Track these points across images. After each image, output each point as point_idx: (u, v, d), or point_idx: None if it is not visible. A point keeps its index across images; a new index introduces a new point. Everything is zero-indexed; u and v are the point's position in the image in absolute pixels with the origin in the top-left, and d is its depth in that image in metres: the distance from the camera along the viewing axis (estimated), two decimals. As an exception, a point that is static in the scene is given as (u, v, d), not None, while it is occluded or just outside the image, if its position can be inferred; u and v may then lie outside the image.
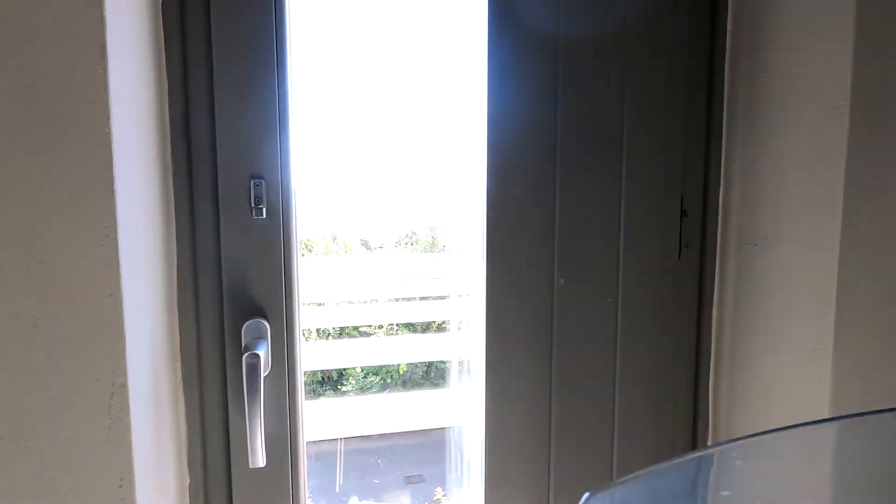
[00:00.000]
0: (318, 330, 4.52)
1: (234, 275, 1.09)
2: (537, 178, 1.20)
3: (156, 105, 1.01)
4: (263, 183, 1.08)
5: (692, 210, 1.27)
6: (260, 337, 1.10)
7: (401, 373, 5.07)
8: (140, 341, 0.90)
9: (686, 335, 1.29)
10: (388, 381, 5.17)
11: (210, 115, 1.06)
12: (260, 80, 1.07)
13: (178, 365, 1.10)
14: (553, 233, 1.21)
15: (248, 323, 1.10)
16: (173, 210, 1.07)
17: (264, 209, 1.08)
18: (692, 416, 1.33)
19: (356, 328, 4.69)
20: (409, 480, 4.92)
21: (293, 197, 1.11)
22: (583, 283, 1.23)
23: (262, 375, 1.07)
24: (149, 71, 0.98)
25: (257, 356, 1.03)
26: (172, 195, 1.06)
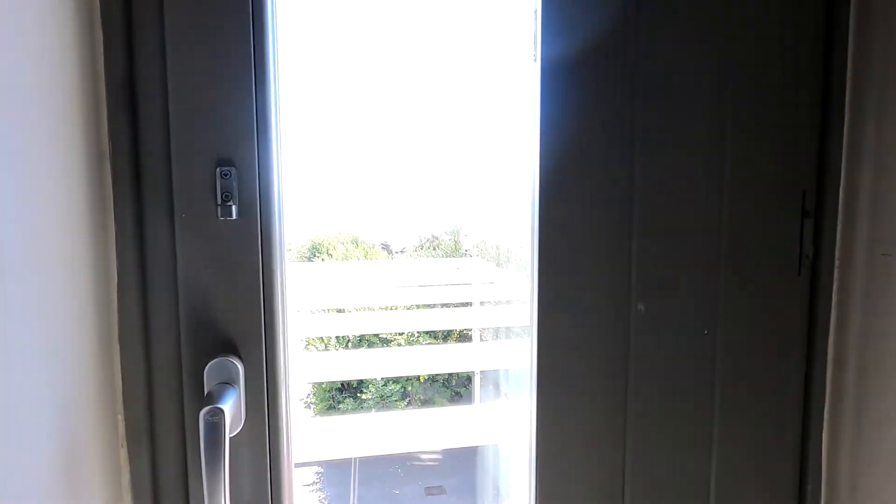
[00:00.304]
0: (337, 338, 4.21)
1: (195, 296, 0.76)
2: (605, 169, 0.85)
3: (81, 59, 0.69)
4: (234, 172, 0.75)
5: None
6: (229, 381, 0.77)
7: (421, 381, 4.74)
8: (31, 403, 0.58)
9: (796, 374, 0.93)
10: (409, 388, 4.86)
11: (161, 75, 0.74)
12: (229, 33, 0.74)
13: (121, 418, 0.77)
14: (629, 243, 0.86)
15: (212, 362, 0.76)
16: (111, 209, 0.74)
17: (234, 207, 0.75)
18: (798, 478, 0.97)
19: (376, 335, 4.38)
20: (430, 492, 4.60)
21: (276, 191, 0.77)
22: (670, 309, 0.87)
23: (230, 435, 0.74)
24: (65, 9, 0.66)
25: (220, 411, 0.70)
26: (109, 188, 0.74)
